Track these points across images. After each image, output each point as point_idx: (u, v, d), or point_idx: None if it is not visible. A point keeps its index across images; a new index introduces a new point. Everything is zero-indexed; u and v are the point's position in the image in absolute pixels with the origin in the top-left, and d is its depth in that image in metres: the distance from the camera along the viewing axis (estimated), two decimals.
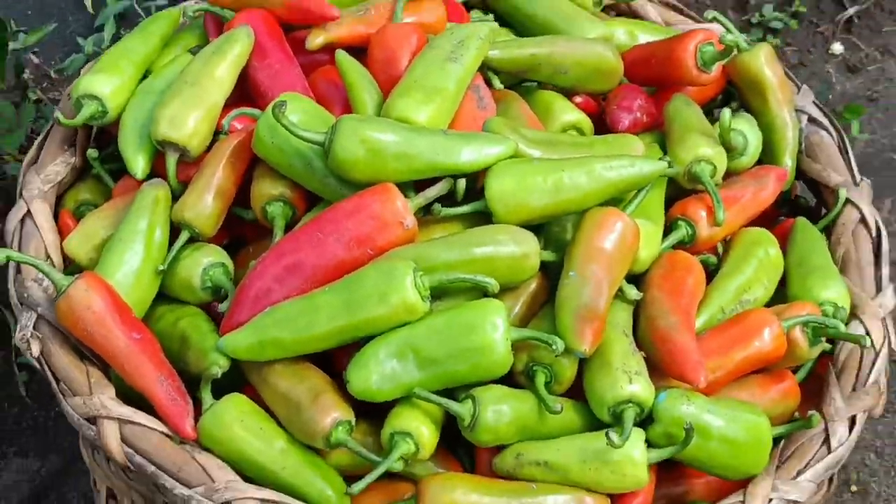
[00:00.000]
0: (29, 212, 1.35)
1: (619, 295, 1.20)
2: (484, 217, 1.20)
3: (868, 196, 1.34)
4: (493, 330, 1.07)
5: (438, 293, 1.14)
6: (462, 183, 1.20)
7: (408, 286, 1.07)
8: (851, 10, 2.27)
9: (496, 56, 1.35)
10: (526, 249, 1.15)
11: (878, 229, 1.33)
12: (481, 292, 1.15)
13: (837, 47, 2.23)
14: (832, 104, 2.16)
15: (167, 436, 1.13)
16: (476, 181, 1.21)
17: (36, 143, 1.41)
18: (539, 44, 1.41)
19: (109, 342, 1.14)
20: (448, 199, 1.22)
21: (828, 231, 1.40)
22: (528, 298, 1.22)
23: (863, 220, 1.35)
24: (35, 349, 1.17)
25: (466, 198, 1.22)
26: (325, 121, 1.21)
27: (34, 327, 1.20)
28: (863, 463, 1.80)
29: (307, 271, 1.15)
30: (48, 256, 1.29)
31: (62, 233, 1.35)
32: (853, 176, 1.38)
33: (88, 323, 1.13)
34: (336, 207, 1.18)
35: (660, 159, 1.24)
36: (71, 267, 1.30)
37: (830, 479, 1.21)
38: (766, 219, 1.41)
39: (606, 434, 1.05)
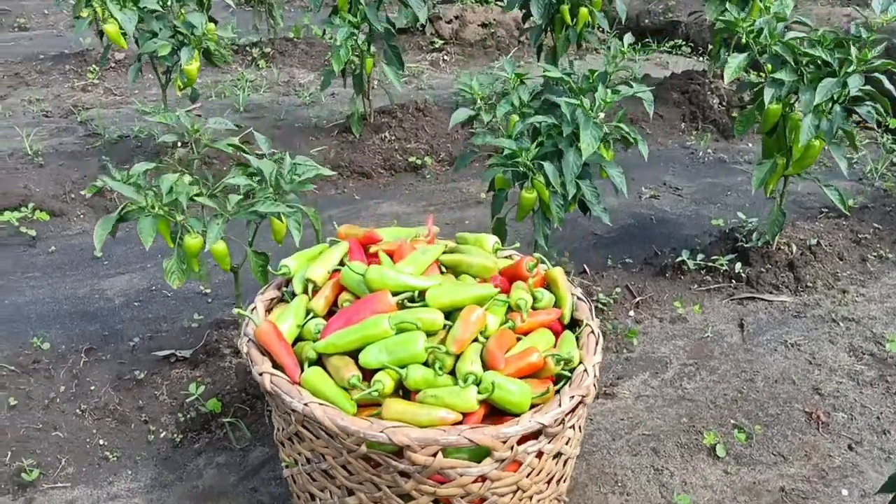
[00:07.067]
0: (255, 305, 2.55)
1: (476, 340, 2.29)
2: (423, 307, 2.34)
3: (597, 325, 2.45)
4: (418, 343, 2.16)
5: (400, 329, 2.25)
6: (416, 294, 2.39)
7: (386, 324, 2.23)
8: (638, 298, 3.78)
9: (442, 258, 2.60)
10: (437, 318, 2.28)
11: (598, 337, 2.41)
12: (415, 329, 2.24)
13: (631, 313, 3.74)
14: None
15: (287, 380, 2.21)
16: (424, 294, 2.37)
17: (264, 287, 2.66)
18: (459, 253, 2.63)
19: (272, 345, 2.30)
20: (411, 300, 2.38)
21: (578, 337, 2.45)
22: (442, 335, 2.30)
23: (592, 332, 2.42)
24: (244, 349, 2.34)
25: (418, 300, 2.38)
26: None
27: (247, 342, 2.37)
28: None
29: (352, 320, 2.29)
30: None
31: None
32: (591, 317, 2.50)
33: (265, 336, 2.32)
34: (366, 297, 2.36)
35: (497, 296, 2.40)
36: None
37: (562, 421, 2.14)
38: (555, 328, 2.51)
39: (458, 385, 2.14)
